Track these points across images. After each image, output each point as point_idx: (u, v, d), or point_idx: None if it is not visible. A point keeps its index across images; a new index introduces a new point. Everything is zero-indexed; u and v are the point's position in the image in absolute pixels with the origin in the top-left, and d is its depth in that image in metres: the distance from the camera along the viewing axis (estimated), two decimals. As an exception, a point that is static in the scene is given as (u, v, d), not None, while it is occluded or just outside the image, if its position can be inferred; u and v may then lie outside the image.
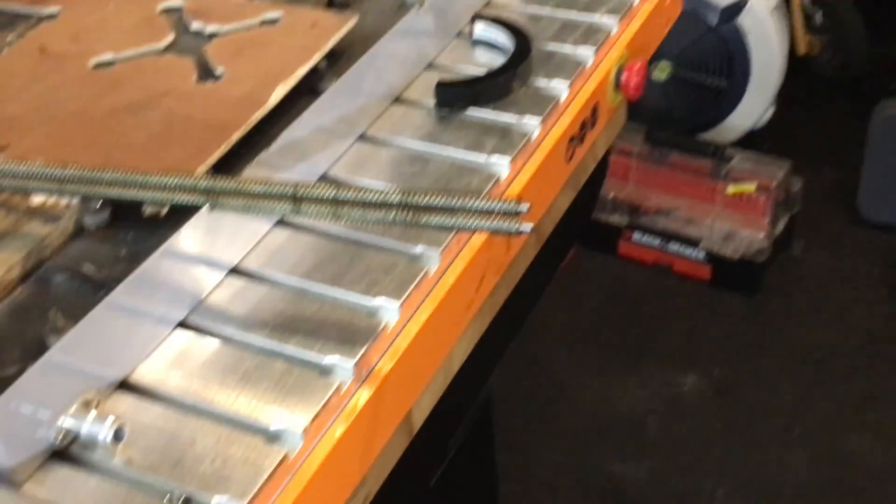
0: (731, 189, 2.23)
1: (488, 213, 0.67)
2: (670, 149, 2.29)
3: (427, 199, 0.67)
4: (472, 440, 0.95)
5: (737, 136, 2.48)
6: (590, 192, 1.04)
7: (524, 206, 0.66)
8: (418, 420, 0.81)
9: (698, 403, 2.02)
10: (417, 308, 0.74)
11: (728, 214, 2.25)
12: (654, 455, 1.93)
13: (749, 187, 2.21)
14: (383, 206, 0.67)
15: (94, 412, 0.64)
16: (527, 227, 0.66)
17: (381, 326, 0.71)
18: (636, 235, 2.31)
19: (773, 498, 1.85)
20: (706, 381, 2.06)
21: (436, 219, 0.67)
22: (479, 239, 0.79)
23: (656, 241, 2.29)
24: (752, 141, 2.47)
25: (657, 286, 2.28)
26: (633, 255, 2.32)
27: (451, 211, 0.67)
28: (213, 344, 0.71)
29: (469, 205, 0.67)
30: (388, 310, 0.72)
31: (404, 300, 0.73)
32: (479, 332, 0.87)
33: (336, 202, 0.68)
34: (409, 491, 0.89)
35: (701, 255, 2.25)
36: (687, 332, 2.17)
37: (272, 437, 0.65)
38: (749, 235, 2.24)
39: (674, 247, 2.28)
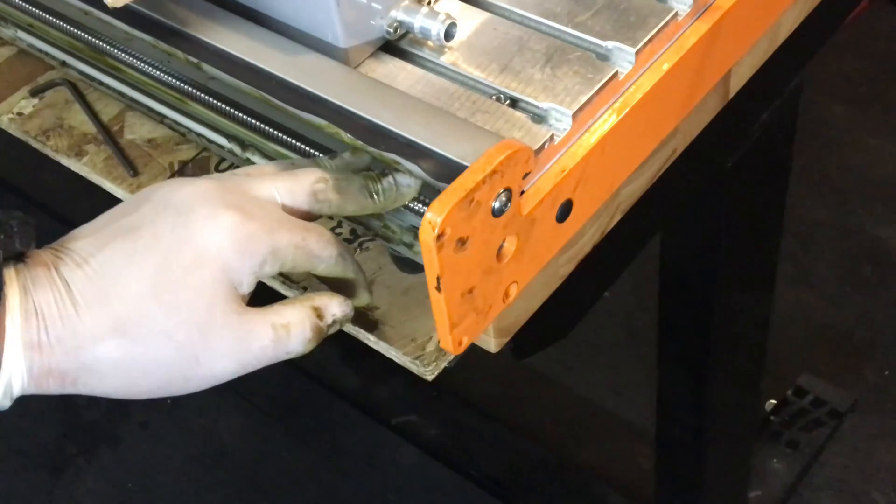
0: None
1: None
2: None
3: None
4: (775, 128, 0.90)
5: None
6: None
7: None
8: (735, 86, 0.77)
9: None
10: (764, -51, 0.68)
11: None
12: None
13: None
14: None
15: (426, 8, 0.63)
16: None
17: (726, -40, 0.66)
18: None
19: None
20: None
21: None
22: None
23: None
24: None
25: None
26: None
27: None
28: (543, -37, 0.68)
29: None
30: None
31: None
32: (812, 4, 0.80)
33: None
34: (706, 167, 0.86)
35: None
36: None
37: (602, 55, 0.62)
38: None
39: None
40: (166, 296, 0.52)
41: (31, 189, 1.88)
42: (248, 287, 0.54)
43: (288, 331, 0.55)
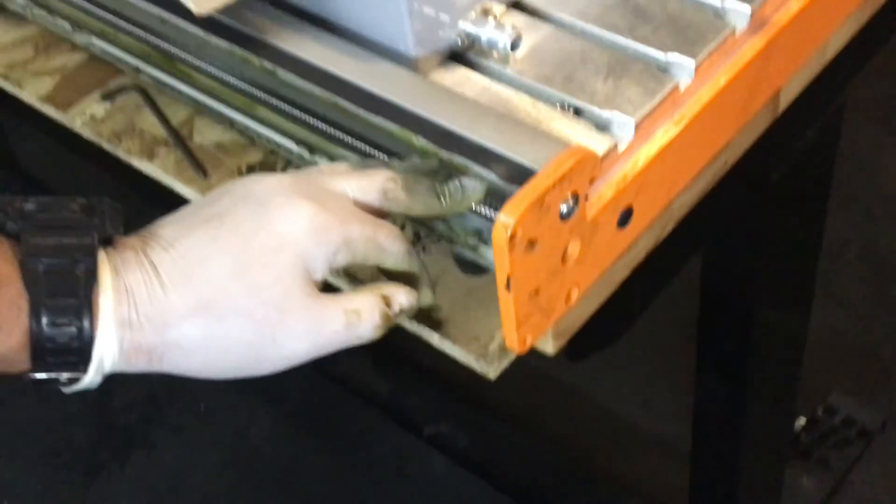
0: None
1: None
2: None
3: None
4: (819, 146, 0.92)
5: None
6: None
7: None
8: (784, 102, 0.79)
9: None
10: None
11: None
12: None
13: None
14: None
15: (492, 20, 0.65)
16: None
17: (782, -21, 0.68)
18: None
19: None
20: None
21: None
22: None
23: None
24: None
25: None
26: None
27: None
28: (604, -21, 0.70)
29: None
30: (792, -38, 0.69)
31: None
32: (859, 24, 0.82)
33: None
34: (753, 180, 0.88)
35: None
36: None
37: (663, 67, 0.65)
38: None
39: None
40: (247, 277, 0.54)
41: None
42: (321, 274, 0.57)
43: (359, 316, 0.57)
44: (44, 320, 0.51)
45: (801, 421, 1.62)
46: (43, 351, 0.51)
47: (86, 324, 0.51)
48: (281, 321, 0.55)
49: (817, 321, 1.82)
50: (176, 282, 0.54)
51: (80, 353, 0.52)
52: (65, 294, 0.51)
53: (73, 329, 0.51)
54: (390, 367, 1.73)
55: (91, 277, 0.52)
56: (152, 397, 1.80)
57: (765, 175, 0.88)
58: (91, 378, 0.53)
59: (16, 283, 0.51)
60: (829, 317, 1.81)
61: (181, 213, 0.57)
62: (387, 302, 0.59)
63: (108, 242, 0.54)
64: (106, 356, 0.53)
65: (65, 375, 0.53)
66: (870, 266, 1.86)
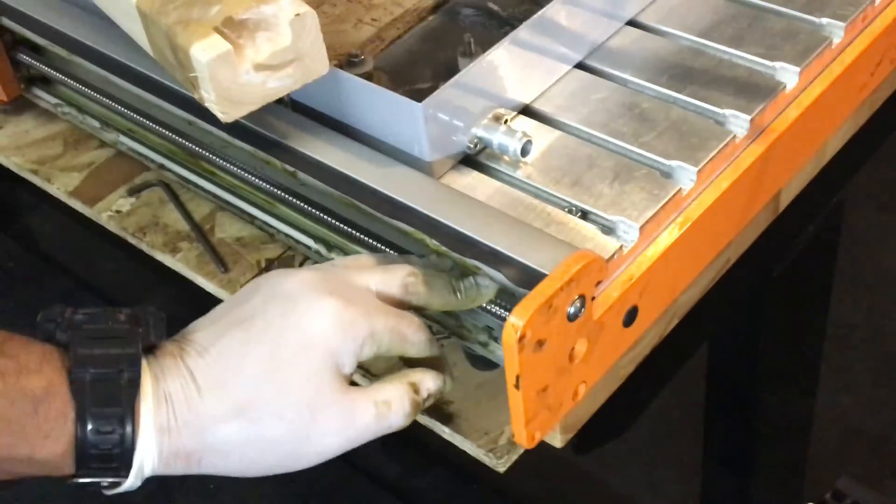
0: None
1: None
2: None
3: None
4: (820, 240, 0.95)
5: None
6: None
7: None
8: (784, 201, 0.82)
9: None
10: (815, 78, 0.73)
11: None
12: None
13: None
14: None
15: (504, 126, 0.68)
16: None
17: (780, 88, 0.71)
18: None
19: None
20: None
21: None
22: (883, 21, 0.77)
23: None
24: None
25: None
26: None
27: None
28: (609, 86, 0.74)
29: None
30: (789, 73, 0.72)
31: (805, 67, 0.72)
32: (856, 126, 0.85)
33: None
34: (755, 276, 0.90)
35: None
36: None
37: (666, 173, 0.67)
38: None
39: None
40: (278, 378, 0.56)
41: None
42: (349, 368, 0.59)
43: (389, 406, 0.59)
44: (89, 428, 0.53)
45: (810, 506, 1.62)
46: (87, 457, 0.53)
47: (128, 431, 0.53)
48: (314, 419, 0.57)
49: (824, 406, 1.83)
50: (211, 386, 0.55)
51: (121, 459, 0.54)
52: (109, 403, 0.53)
53: (115, 436, 0.53)
54: (400, 449, 1.73)
55: (134, 386, 0.54)
56: (163, 476, 1.80)
57: (767, 270, 0.91)
58: (131, 482, 0.55)
59: (63, 393, 0.53)
60: (836, 401, 1.81)
61: (215, 315, 0.60)
62: (415, 389, 0.61)
63: (150, 350, 0.57)
64: (146, 461, 0.54)
65: (106, 480, 0.55)
66: (876, 350, 1.87)
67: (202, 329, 0.58)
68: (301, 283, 0.59)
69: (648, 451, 1.77)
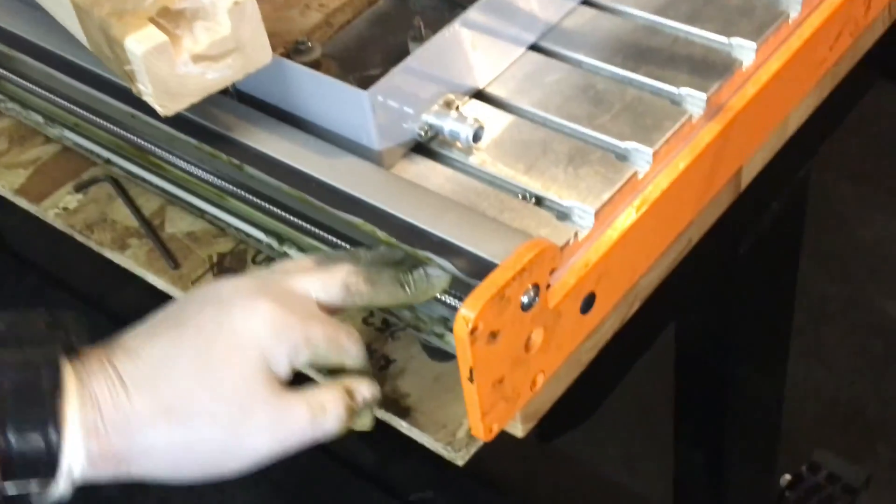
0: None
1: None
2: None
3: None
4: (786, 216, 0.94)
5: None
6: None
7: None
8: (746, 179, 0.80)
9: None
10: (773, 53, 0.72)
11: None
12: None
13: None
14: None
15: (455, 112, 0.67)
16: None
17: (736, 66, 0.70)
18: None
19: None
20: None
21: None
22: (841, -7, 0.75)
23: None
24: None
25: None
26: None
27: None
28: (563, 67, 0.72)
29: None
30: (745, 49, 0.70)
31: (761, 43, 0.71)
32: (818, 100, 0.84)
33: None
34: (720, 255, 0.89)
35: None
36: None
37: (621, 156, 0.66)
38: None
39: None
40: (209, 378, 0.55)
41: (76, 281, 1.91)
42: (284, 372, 0.58)
43: (324, 409, 0.58)
44: (11, 435, 0.51)
45: (786, 478, 1.62)
46: (12, 464, 0.52)
47: (52, 433, 0.52)
48: (245, 419, 0.55)
49: (800, 378, 1.83)
50: (140, 387, 0.54)
51: (48, 463, 0.52)
52: (32, 407, 0.52)
53: (40, 439, 0.52)
54: (375, 436, 1.72)
55: (57, 388, 0.52)
56: (137, 469, 1.79)
57: (732, 249, 0.90)
58: (62, 488, 0.54)
59: None
60: (811, 374, 1.82)
61: (148, 322, 0.58)
62: (350, 395, 0.60)
63: (73, 354, 0.55)
64: (74, 464, 0.53)
65: (35, 487, 0.53)
66: (851, 322, 1.87)
67: (132, 335, 0.57)
68: (236, 289, 0.58)
69: (624, 430, 1.77)
